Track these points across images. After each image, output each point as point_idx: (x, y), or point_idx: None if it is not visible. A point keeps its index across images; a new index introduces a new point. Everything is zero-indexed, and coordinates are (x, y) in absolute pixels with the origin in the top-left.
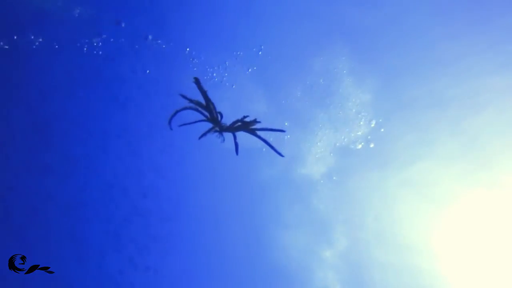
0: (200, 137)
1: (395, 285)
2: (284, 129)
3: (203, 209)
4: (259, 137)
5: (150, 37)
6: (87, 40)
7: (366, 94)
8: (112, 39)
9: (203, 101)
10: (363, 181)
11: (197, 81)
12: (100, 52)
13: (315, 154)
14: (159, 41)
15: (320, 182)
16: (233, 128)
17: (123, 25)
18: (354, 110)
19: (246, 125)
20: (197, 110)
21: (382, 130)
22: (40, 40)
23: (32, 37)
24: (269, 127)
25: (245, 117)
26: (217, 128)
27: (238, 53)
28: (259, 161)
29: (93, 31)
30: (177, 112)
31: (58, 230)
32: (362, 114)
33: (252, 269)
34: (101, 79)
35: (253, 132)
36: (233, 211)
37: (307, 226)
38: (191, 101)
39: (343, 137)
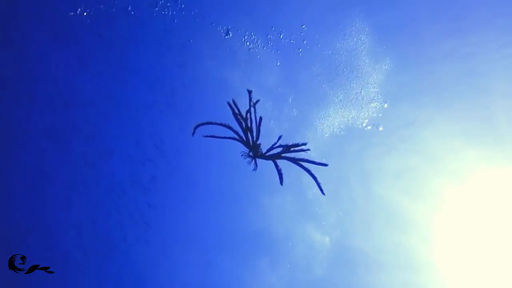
0: (241, 154)
1: (376, 255)
2: (326, 163)
3: (194, 175)
4: (302, 166)
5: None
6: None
7: (380, 75)
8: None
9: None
10: (357, 163)
11: (250, 94)
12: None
13: (317, 131)
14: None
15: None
16: (271, 156)
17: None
18: (365, 91)
19: (284, 151)
20: (230, 128)
21: (380, 115)
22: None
23: None
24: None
25: (280, 137)
26: (251, 154)
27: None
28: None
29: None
30: (205, 123)
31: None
32: (375, 95)
33: (237, 233)
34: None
35: (294, 161)
36: (226, 179)
37: (294, 196)
38: (237, 113)
39: (350, 116)
